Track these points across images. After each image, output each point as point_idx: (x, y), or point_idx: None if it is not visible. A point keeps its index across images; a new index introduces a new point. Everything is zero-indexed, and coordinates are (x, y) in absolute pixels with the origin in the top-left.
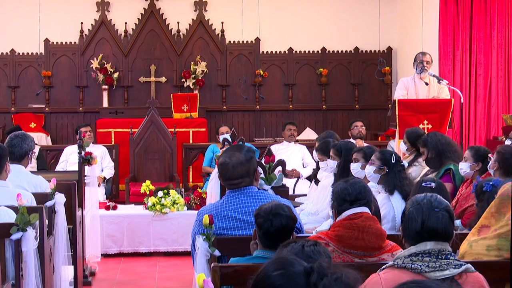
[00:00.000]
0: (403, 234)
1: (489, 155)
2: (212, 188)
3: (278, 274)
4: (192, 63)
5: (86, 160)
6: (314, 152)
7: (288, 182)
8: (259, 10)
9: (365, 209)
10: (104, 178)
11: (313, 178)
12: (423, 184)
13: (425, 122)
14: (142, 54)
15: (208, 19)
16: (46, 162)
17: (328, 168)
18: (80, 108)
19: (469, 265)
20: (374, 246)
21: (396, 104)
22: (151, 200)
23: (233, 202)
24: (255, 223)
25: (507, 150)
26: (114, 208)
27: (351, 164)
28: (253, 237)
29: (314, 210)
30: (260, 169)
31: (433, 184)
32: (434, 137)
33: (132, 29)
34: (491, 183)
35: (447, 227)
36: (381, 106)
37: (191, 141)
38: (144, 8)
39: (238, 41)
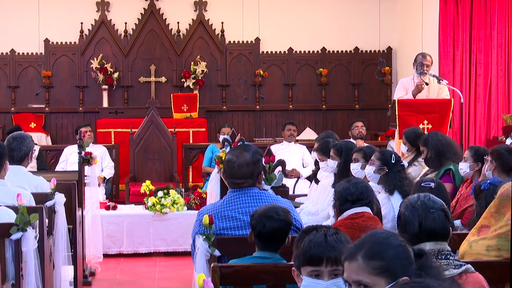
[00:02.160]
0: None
1: (485, 157)
2: (212, 188)
3: (404, 245)
4: (192, 63)
5: (86, 160)
6: (313, 152)
7: (288, 182)
8: (259, 10)
9: (366, 209)
10: (104, 178)
11: (313, 178)
12: (422, 184)
13: (425, 122)
14: (142, 54)
15: (208, 19)
16: (46, 162)
17: (328, 168)
18: (80, 108)
19: (469, 266)
20: None
21: (396, 104)
22: (151, 200)
23: (234, 202)
24: (250, 224)
25: (501, 147)
26: (114, 208)
27: (351, 164)
28: (249, 238)
29: (314, 210)
30: None
31: (432, 184)
32: (435, 137)
33: (132, 29)
34: (488, 181)
35: (444, 226)
36: (381, 106)
37: (191, 141)
38: (144, 8)
39: (238, 41)
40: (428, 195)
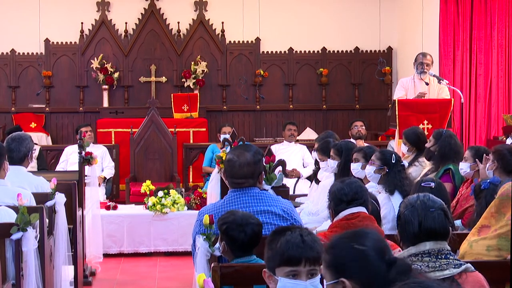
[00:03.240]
0: (401, 238)
1: (486, 155)
2: (212, 188)
3: (359, 249)
4: (192, 63)
5: (86, 160)
6: (313, 152)
7: (289, 182)
8: (259, 10)
9: (362, 209)
10: (105, 178)
11: (313, 178)
12: (422, 184)
13: (425, 122)
14: (142, 54)
15: (208, 19)
16: (47, 162)
17: (329, 168)
18: (80, 108)
19: (469, 265)
20: None
21: (396, 104)
22: (152, 200)
23: (235, 202)
24: (225, 236)
25: (503, 147)
26: (115, 208)
27: (351, 164)
28: (223, 251)
29: (315, 210)
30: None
31: (432, 184)
32: (448, 139)
33: (133, 29)
34: (488, 181)
35: (444, 225)
36: (381, 106)
37: (191, 141)
38: (144, 8)
39: (238, 41)
40: (428, 194)
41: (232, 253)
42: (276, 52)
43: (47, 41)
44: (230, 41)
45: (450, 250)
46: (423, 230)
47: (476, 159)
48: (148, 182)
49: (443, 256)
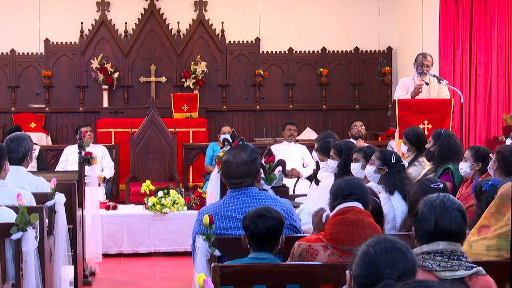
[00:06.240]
0: (416, 234)
1: (490, 155)
2: (212, 188)
3: (373, 256)
4: (192, 63)
5: (86, 160)
6: (314, 152)
7: (288, 182)
8: (259, 10)
9: (357, 204)
10: (104, 178)
11: (313, 178)
12: (432, 185)
13: (425, 122)
14: (142, 54)
15: (208, 19)
16: (46, 162)
17: (329, 168)
18: (80, 108)
19: (480, 268)
20: None
21: (396, 104)
22: (151, 200)
23: (234, 202)
24: (242, 225)
25: (506, 149)
26: (114, 208)
27: (351, 164)
28: (243, 242)
29: (315, 210)
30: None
31: (441, 185)
32: (448, 139)
33: (132, 29)
34: (489, 182)
35: (460, 227)
36: (381, 106)
37: (191, 141)
38: (144, 8)
39: (238, 41)
40: (448, 195)
41: (249, 244)
42: (276, 52)
43: (47, 41)
44: (230, 41)
45: (463, 252)
46: (438, 229)
47: (490, 155)
48: (148, 182)
49: (455, 258)
